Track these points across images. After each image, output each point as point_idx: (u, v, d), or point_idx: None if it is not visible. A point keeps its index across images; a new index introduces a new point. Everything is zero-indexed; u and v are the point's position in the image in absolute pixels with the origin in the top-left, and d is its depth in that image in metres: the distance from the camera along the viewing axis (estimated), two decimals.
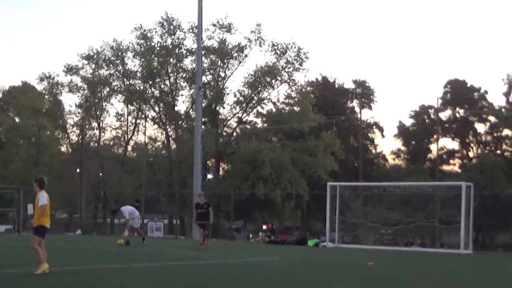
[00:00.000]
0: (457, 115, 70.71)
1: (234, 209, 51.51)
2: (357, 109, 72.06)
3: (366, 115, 72.57)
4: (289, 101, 61.24)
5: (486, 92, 70.12)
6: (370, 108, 73.80)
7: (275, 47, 58.59)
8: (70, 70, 62.00)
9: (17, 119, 67.67)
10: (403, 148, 74.13)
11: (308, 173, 57.99)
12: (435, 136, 63.79)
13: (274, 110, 62.23)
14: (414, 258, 27.17)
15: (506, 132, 67.80)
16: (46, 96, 66.43)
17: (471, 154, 70.91)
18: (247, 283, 15.59)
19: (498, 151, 67.86)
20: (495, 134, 69.76)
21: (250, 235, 51.94)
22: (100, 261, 21.14)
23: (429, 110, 71.06)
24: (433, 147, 70.01)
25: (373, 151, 75.18)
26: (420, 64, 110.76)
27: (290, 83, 59.76)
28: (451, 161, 71.99)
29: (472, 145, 72.12)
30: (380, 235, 39.97)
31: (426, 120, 71.97)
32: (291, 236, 42.31)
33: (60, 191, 64.60)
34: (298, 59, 58.60)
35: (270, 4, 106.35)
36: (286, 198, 62.12)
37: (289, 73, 59.19)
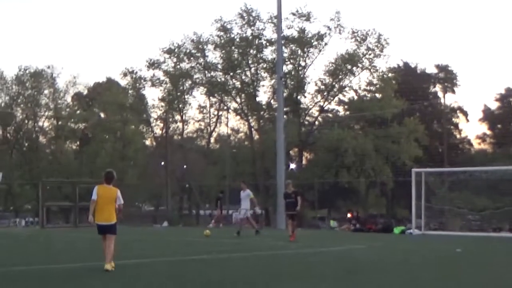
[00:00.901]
0: None
1: (318, 198, 51.58)
2: (440, 94, 71.44)
3: (449, 99, 71.98)
4: (371, 88, 60.84)
5: None
6: (453, 92, 72.86)
7: (355, 34, 58.24)
8: (152, 64, 62.85)
9: (102, 115, 69.04)
10: (488, 132, 72.94)
11: (391, 160, 57.60)
12: None
13: (355, 97, 61.94)
14: (503, 244, 26.88)
15: None
16: (129, 91, 67.33)
17: None
18: (335, 272, 15.77)
19: None
20: None
21: (335, 224, 51.96)
22: (188, 252, 21.59)
23: None
24: None
25: (458, 136, 74.26)
26: (505, 46, 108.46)
27: (371, 70, 59.41)
28: None
29: None
30: (467, 221, 39.52)
31: None
32: (376, 224, 42.14)
33: (146, 185, 66.04)
34: (379, 45, 58.13)
35: None
36: (370, 185, 61.93)
37: (370, 60, 58.79)
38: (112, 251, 14.45)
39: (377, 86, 59.99)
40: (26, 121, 67.16)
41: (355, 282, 13.45)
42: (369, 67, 59.12)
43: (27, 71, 65.03)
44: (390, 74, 61.03)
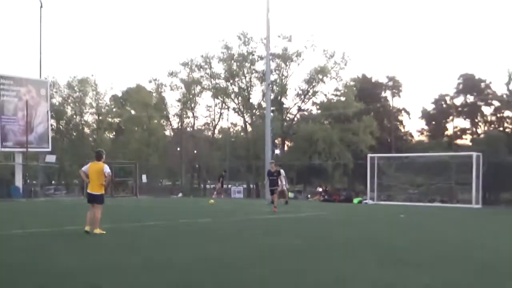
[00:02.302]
0: (468, 101, 69.54)
1: (296, 176, 51.60)
2: (389, 98, 71.65)
3: (396, 102, 72.25)
4: (337, 93, 61.00)
5: (490, 82, 68.82)
6: (399, 96, 73.09)
7: (325, 52, 58.28)
8: (171, 74, 62.89)
9: (132, 112, 68.86)
10: (426, 127, 73.20)
11: (352, 147, 57.75)
12: (451, 117, 62.97)
13: (325, 100, 62.01)
14: (436, 211, 27.09)
15: (507, 113, 66.34)
16: (153, 94, 67.36)
17: (479, 131, 69.56)
18: (308, 228, 15.91)
19: (501, 128, 66.38)
20: (498, 115, 68.51)
21: (309, 196, 52.01)
22: (197, 216, 21.65)
23: (446, 97, 70.24)
24: (450, 126, 69.25)
25: (402, 130, 74.41)
26: (437, 61, 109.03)
27: (337, 79, 59.54)
28: (464, 137, 70.79)
29: (480, 124, 70.81)
30: (408, 194, 39.72)
31: (444, 105, 70.88)
32: (340, 196, 42.21)
33: (165, 165, 66.02)
34: (343, 60, 58.24)
35: (322, 17, 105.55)
36: (336, 167, 61.86)
37: (336, 72, 58.89)
38: (98, 218, 13.73)
39: (342, 91, 60.12)
40: (75, 116, 66.95)
41: (324, 236, 13.56)
42: (336, 77, 59.24)
43: (75, 78, 64.89)
44: (351, 82, 61.13)
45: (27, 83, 43.24)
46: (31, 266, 9.01)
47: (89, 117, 68.22)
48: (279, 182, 24.84)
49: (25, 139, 41.33)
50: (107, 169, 13.85)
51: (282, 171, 26.30)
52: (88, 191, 14.09)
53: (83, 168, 14.38)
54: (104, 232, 13.65)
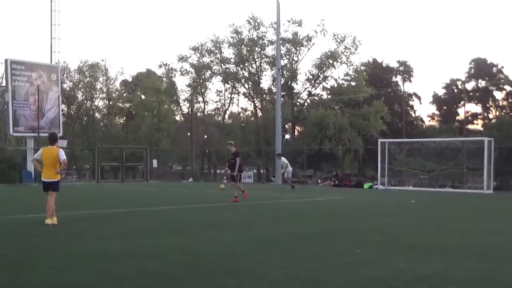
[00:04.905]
0: (480, 85, 69.11)
1: (306, 161, 51.46)
2: (400, 83, 71.28)
3: (407, 87, 71.77)
4: (347, 78, 60.65)
5: (502, 67, 68.49)
6: (410, 81, 72.97)
7: (336, 37, 57.98)
8: (181, 58, 62.63)
9: (143, 97, 68.90)
10: (436, 112, 72.96)
11: (362, 133, 57.50)
12: (462, 102, 62.54)
13: (335, 85, 61.76)
14: (447, 196, 26.99)
15: None
16: (164, 79, 67.37)
17: (491, 116, 69.18)
18: (318, 215, 15.88)
19: None
20: (510, 100, 68.10)
21: (319, 181, 52.02)
22: (208, 201, 21.71)
23: (457, 82, 69.87)
24: (461, 111, 68.71)
25: (413, 114, 74.13)
26: (449, 45, 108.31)
27: (348, 64, 59.21)
28: (475, 122, 70.48)
29: (491, 108, 70.43)
30: (419, 179, 39.62)
31: (455, 90, 70.55)
32: (350, 181, 42.19)
33: (176, 150, 66.16)
34: (354, 45, 57.89)
35: (332, 1, 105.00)
36: (346, 152, 61.80)
37: (347, 56, 58.59)
38: (52, 207, 12.49)
39: (352, 76, 59.80)
40: (85, 101, 67.09)
41: (336, 222, 13.54)
42: (346, 62, 58.93)
43: (86, 63, 64.95)
44: (362, 67, 60.83)
45: (38, 68, 43.38)
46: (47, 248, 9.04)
47: (99, 102, 68.50)
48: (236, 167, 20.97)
49: (37, 124, 41.53)
50: (62, 155, 12.48)
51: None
52: (42, 178, 12.71)
53: (35, 156, 13.03)
54: (56, 223, 12.41)
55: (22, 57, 44.95)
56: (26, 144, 43.05)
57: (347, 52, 58.24)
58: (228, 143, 22.47)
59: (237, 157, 20.71)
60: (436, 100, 71.71)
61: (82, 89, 66.09)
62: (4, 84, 45.87)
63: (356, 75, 59.01)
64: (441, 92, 71.77)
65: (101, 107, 68.89)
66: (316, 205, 20.37)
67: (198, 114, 66.52)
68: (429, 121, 73.96)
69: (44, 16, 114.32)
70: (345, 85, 60.63)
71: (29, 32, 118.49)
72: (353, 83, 59.69)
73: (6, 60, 41.68)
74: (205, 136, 65.07)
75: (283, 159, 32.85)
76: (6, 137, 48.38)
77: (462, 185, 37.28)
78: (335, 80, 61.29)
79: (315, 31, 58.26)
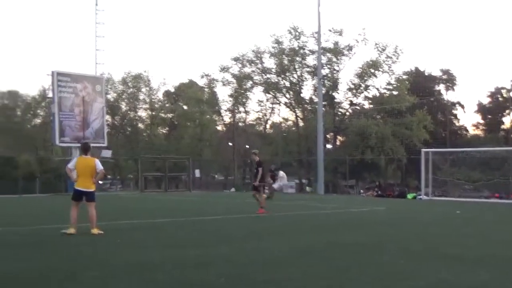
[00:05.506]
0: None
1: (348, 171, 51.17)
2: (443, 91, 70.52)
3: (450, 96, 71.06)
4: (389, 87, 60.14)
5: None
6: (453, 90, 71.90)
7: (377, 45, 57.60)
8: (223, 69, 63.03)
9: (185, 107, 69.56)
10: (481, 121, 71.78)
11: (405, 142, 56.91)
12: (507, 111, 61.51)
13: (377, 94, 61.34)
14: (492, 207, 26.49)
15: None
16: (205, 89, 67.87)
17: None
18: (361, 225, 15.76)
19: None
20: None
21: (361, 191, 51.63)
22: (249, 211, 21.73)
23: (502, 90, 68.79)
24: (506, 119, 67.65)
25: (457, 124, 73.02)
26: (494, 53, 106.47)
27: (390, 73, 58.78)
28: None
29: None
30: (464, 190, 38.97)
31: (500, 99, 69.46)
32: (394, 191, 41.74)
33: (218, 160, 66.54)
34: (395, 54, 57.47)
35: (373, 10, 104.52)
36: (389, 161, 61.23)
37: (389, 65, 58.16)
38: (94, 217, 12.51)
39: (394, 85, 59.27)
40: (129, 112, 68.11)
41: (379, 232, 13.41)
42: (388, 71, 58.52)
43: (129, 74, 65.96)
44: (404, 76, 60.29)
45: (83, 79, 44.18)
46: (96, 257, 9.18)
47: (142, 113, 69.39)
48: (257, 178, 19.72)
49: (82, 134, 42.26)
50: (99, 165, 12.62)
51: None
52: (77, 187, 12.62)
53: (69, 165, 12.89)
54: (102, 232, 12.52)
55: (67, 69, 45.78)
56: (71, 154, 43.81)
57: (388, 61, 57.87)
58: (252, 152, 21.45)
59: (260, 167, 19.42)
60: (481, 109, 70.60)
61: (125, 100, 67.14)
62: (50, 95, 46.86)
63: (398, 84, 58.50)
64: (485, 100, 70.72)
65: (144, 118, 69.86)
66: (358, 215, 20.22)
67: (240, 124, 66.79)
68: (474, 130, 72.92)
69: (89, 28, 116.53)
70: (387, 94, 60.16)
71: (74, 44, 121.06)
72: (395, 92, 59.18)
73: (53, 72, 42.56)
74: (247, 146, 65.26)
75: (281, 172, 33.17)
76: (52, 148, 49.39)
77: (508, 195, 36.47)
78: (377, 89, 60.98)
79: (356, 40, 58.16)
